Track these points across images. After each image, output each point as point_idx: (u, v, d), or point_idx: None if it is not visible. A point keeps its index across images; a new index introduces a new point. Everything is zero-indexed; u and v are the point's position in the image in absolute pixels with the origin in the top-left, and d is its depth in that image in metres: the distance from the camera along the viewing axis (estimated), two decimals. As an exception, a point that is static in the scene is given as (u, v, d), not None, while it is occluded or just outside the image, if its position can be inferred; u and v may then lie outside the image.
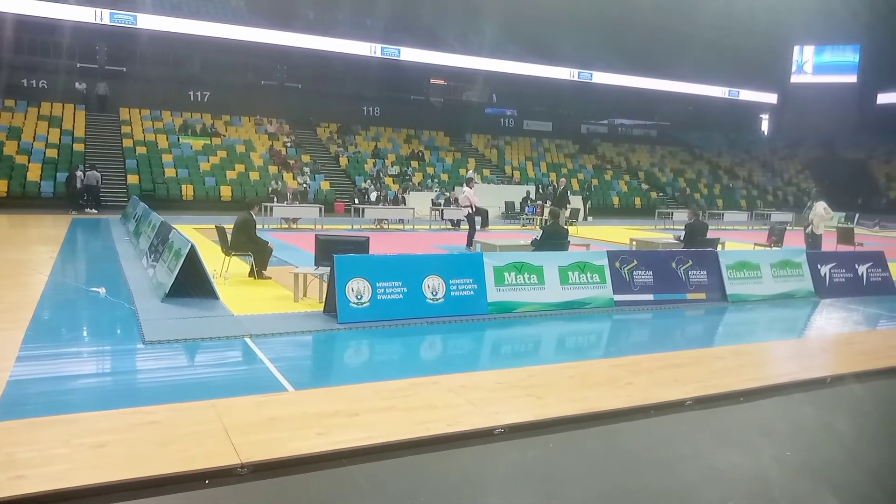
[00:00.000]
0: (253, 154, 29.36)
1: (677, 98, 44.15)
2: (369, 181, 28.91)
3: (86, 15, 28.78)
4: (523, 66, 38.63)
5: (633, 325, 8.54)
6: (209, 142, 29.42)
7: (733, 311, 9.44)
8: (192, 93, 32.18)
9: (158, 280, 8.94)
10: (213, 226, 11.24)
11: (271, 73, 36.13)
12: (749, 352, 7.15)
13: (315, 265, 8.63)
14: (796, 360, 6.96)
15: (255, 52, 32.96)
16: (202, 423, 4.26)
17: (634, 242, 14.27)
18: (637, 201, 34.97)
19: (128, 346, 6.41)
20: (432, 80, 40.45)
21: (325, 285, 8.00)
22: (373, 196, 26.48)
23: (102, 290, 8.70)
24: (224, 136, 30.56)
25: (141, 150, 27.29)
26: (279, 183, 25.82)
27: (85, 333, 7.22)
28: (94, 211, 22.56)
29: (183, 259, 8.04)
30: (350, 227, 19.79)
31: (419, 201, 25.32)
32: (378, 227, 20.79)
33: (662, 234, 19.90)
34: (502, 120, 40.76)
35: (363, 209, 21.96)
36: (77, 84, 29.89)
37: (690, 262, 9.71)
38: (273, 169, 28.39)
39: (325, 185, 28.40)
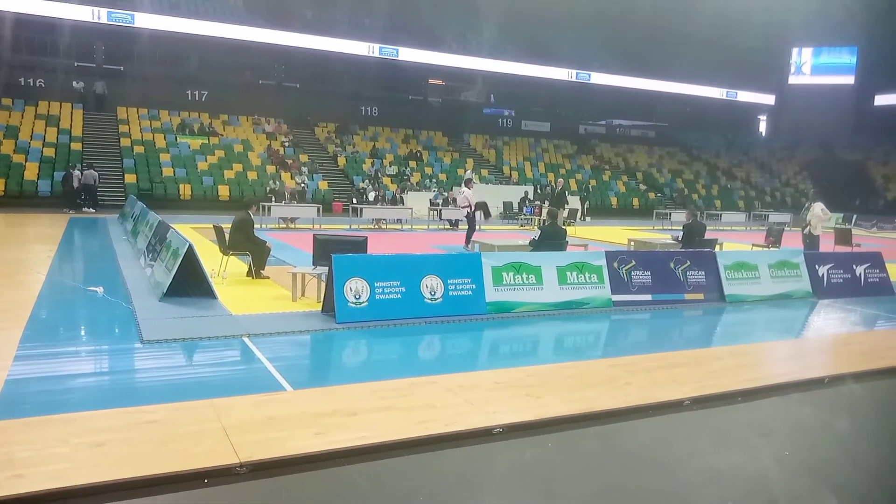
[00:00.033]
0: (251, 153, 29.34)
1: (675, 99, 44.20)
2: (367, 181, 28.90)
3: (83, 14, 28.72)
4: (521, 66, 38.63)
5: (631, 325, 8.55)
6: (207, 141, 29.39)
7: (731, 311, 9.45)
8: (189, 92, 32.13)
9: (156, 279, 8.93)
10: (211, 225, 11.23)
11: (269, 73, 36.09)
12: (747, 352, 7.16)
13: (313, 265, 8.63)
14: (794, 361, 6.98)
15: (253, 51, 32.94)
16: (201, 422, 4.25)
17: (632, 243, 14.30)
18: (635, 202, 35.00)
19: (126, 346, 6.40)
20: (430, 80, 40.43)
21: (323, 285, 8.00)
22: (371, 196, 26.47)
23: (100, 290, 8.68)
24: (222, 135, 30.52)
25: (138, 149, 27.25)
26: (277, 182, 25.79)
27: (83, 333, 7.20)
28: (91, 210, 22.52)
29: (181, 258, 8.04)
30: (348, 226, 19.78)
31: (417, 201, 25.32)
32: (376, 226, 20.78)
33: (660, 234, 19.92)
34: (500, 120, 40.77)
35: (361, 209, 21.94)
36: (75, 83, 29.82)
37: (688, 263, 9.73)
38: (271, 168, 28.37)
39: (323, 185, 28.38)
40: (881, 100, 45.32)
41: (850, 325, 9.18)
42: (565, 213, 20.52)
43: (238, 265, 10.42)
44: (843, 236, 15.80)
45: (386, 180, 29.39)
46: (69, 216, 20.45)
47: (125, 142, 27.65)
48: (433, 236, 18.78)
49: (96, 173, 23.56)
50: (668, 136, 45.07)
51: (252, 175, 27.50)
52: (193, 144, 28.74)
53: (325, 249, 8.29)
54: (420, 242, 16.83)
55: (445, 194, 26.50)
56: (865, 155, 44.57)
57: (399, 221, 21.92)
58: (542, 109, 42.51)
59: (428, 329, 7.51)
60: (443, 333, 7.46)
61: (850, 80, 47.14)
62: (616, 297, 9.02)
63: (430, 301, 7.83)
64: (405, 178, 30.12)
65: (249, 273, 10.03)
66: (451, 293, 7.99)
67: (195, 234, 14.47)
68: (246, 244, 10.08)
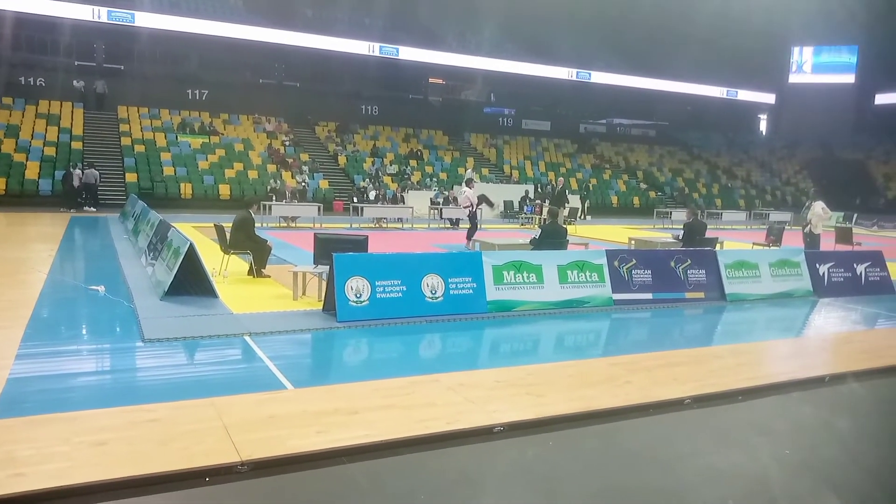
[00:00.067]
0: (251, 153, 29.34)
1: (676, 98, 44.17)
2: (368, 180, 28.90)
3: (84, 13, 28.73)
4: (522, 65, 38.62)
5: (631, 323, 8.55)
6: (207, 140, 29.40)
7: (732, 310, 9.45)
8: (190, 91, 32.15)
9: (157, 278, 8.93)
10: (212, 224, 11.23)
11: (270, 72, 36.09)
12: (747, 351, 7.17)
13: (314, 264, 8.63)
14: (794, 359, 6.98)
15: (253, 50, 32.92)
16: (202, 421, 4.26)
17: (633, 241, 14.29)
18: (636, 201, 35.00)
19: (127, 345, 6.41)
20: (431, 80, 40.42)
21: (324, 284, 8.01)
22: (371, 195, 26.48)
23: (101, 289, 8.69)
24: (222, 134, 30.53)
25: (139, 148, 27.26)
26: (278, 181, 25.80)
27: (84, 331, 7.21)
28: (92, 209, 22.53)
29: (182, 257, 8.04)
30: (349, 225, 19.78)
31: (418, 200, 25.32)
32: (377, 225, 20.78)
33: (661, 233, 19.93)
34: (501, 119, 40.77)
35: (362, 208, 21.95)
36: (75, 82, 29.82)
37: (689, 262, 9.73)
38: (272, 167, 28.37)
39: (323, 184, 28.39)
40: (881, 98, 45.30)
41: (851, 323, 9.18)
42: (566, 212, 20.52)
43: (239, 264, 10.43)
44: (844, 235, 15.79)
45: (386, 179, 29.39)
46: (70, 215, 20.45)
47: (126, 141, 27.66)
48: (434, 235, 18.78)
49: (97, 172, 23.58)
50: (668, 135, 45.06)
51: (253, 174, 27.50)
52: (194, 143, 28.75)
53: (325, 248, 8.29)
54: (421, 241, 16.83)
55: (446, 193, 26.51)
56: (866, 154, 44.56)
57: (400, 220, 21.93)
58: (543, 108, 42.50)
59: (429, 328, 7.51)
60: (443, 332, 7.46)
61: (850, 78, 47.12)
62: (617, 296, 9.02)
63: (430, 300, 7.84)
64: (406, 177, 30.12)
65: (250, 272, 10.04)
66: (451, 292, 7.99)
67: (196, 233, 14.47)
68: (247, 243, 10.09)
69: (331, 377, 6.05)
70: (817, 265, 10.68)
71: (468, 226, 16.01)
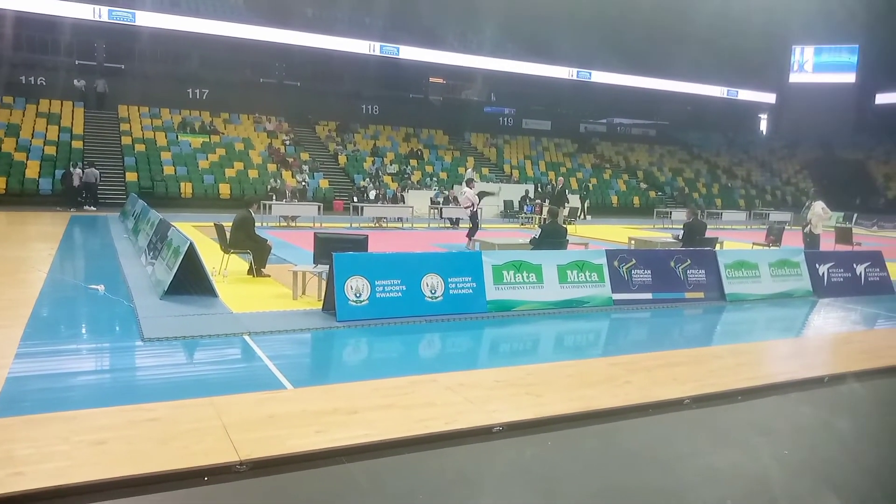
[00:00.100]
0: (252, 152, 29.34)
1: (676, 97, 44.13)
2: (368, 179, 28.90)
3: (84, 12, 28.70)
4: (522, 65, 38.59)
5: (631, 323, 8.55)
6: (208, 139, 29.39)
7: (731, 310, 9.45)
8: (190, 90, 32.14)
9: (157, 277, 8.93)
10: (212, 223, 11.23)
11: (270, 71, 36.09)
12: (747, 351, 7.17)
13: (314, 263, 8.63)
14: (794, 360, 6.98)
15: (253, 49, 32.89)
16: (201, 420, 4.26)
17: (633, 241, 14.29)
18: (636, 200, 34.99)
19: (127, 344, 6.41)
20: (431, 79, 40.40)
21: (323, 283, 8.01)
22: (371, 194, 26.48)
23: (101, 288, 8.69)
24: (223, 133, 30.53)
25: (140, 147, 27.26)
26: (278, 181, 25.80)
27: (84, 330, 7.21)
28: (92, 208, 22.54)
29: (182, 256, 8.05)
30: (349, 225, 19.78)
31: (418, 200, 25.33)
32: (377, 225, 20.78)
33: (661, 233, 19.93)
34: (501, 119, 40.75)
35: (362, 207, 21.96)
36: (76, 81, 29.81)
37: (689, 262, 9.73)
38: (272, 167, 28.37)
39: (323, 184, 28.38)
40: (882, 98, 45.26)
41: (851, 323, 9.18)
42: (566, 212, 20.52)
43: (239, 263, 10.43)
44: (844, 235, 15.80)
45: (387, 179, 29.39)
46: (70, 214, 20.45)
47: (126, 140, 27.65)
48: (434, 235, 18.79)
49: (97, 171, 23.59)
50: (668, 135, 45.04)
51: (253, 173, 27.49)
52: (194, 143, 28.75)
53: (325, 248, 8.30)
54: (421, 241, 16.83)
55: (446, 193, 26.51)
56: (866, 154, 44.53)
57: (400, 220, 21.93)
58: (543, 108, 42.49)
59: (428, 327, 7.51)
60: (443, 332, 7.47)
61: (851, 78, 47.08)
62: (616, 296, 9.02)
63: (430, 299, 7.84)
64: (406, 176, 30.12)
65: (250, 271, 10.04)
66: (451, 291, 8.00)
67: (196, 232, 14.46)
68: (247, 242, 10.09)
69: (330, 377, 6.05)
70: (817, 265, 10.68)
71: (468, 225, 16.02)
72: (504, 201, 27.60)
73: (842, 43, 46.64)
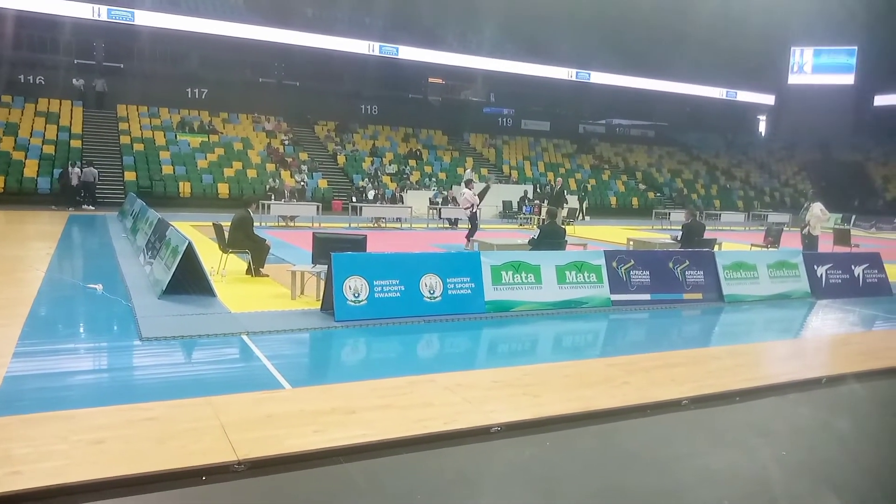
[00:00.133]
0: (251, 152, 29.33)
1: (675, 99, 44.18)
2: (367, 179, 28.90)
3: (84, 11, 28.69)
4: (521, 65, 38.61)
5: (629, 324, 8.56)
6: (207, 139, 29.37)
7: (730, 311, 9.46)
8: (189, 90, 32.11)
9: (155, 277, 8.93)
10: (211, 223, 11.23)
11: (269, 71, 36.08)
12: (745, 352, 7.17)
13: (312, 263, 8.63)
14: (792, 361, 6.99)
15: (253, 49, 32.89)
16: (199, 419, 4.26)
17: (631, 242, 14.31)
18: (634, 201, 35.01)
19: (125, 343, 6.41)
20: (430, 79, 40.41)
21: (322, 283, 8.00)
22: (370, 194, 26.48)
23: (99, 287, 8.68)
24: (222, 133, 30.51)
25: (138, 146, 27.24)
26: (277, 181, 25.79)
27: (82, 330, 7.20)
28: (90, 207, 22.52)
29: (180, 256, 8.04)
30: (347, 225, 19.78)
31: (417, 200, 25.33)
32: (375, 225, 20.78)
33: (659, 234, 19.94)
34: (500, 119, 40.76)
35: (361, 207, 21.96)
36: (75, 80, 29.80)
37: (687, 263, 9.73)
38: (271, 167, 28.36)
39: (322, 183, 28.38)
40: (881, 100, 45.34)
41: (849, 325, 9.19)
42: (564, 213, 20.53)
43: (237, 263, 10.43)
44: (842, 237, 15.82)
45: (385, 179, 29.39)
46: (68, 213, 20.43)
47: (125, 139, 27.64)
48: (432, 235, 18.79)
49: (96, 171, 23.57)
50: (667, 136, 45.07)
51: (252, 173, 27.49)
52: (193, 142, 28.73)
53: (324, 248, 8.30)
54: (419, 241, 16.83)
55: (445, 193, 26.51)
56: (865, 155, 44.60)
57: (398, 220, 21.93)
58: (542, 109, 42.51)
59: (427, 328, 7.51)
60: (441, 332, 7.47)
61: (849, 80, 47.14)
62: (615, 297, 9.03)
63: (429, 300, 7.84)
64: (405, 176, 30.12)
65: (249, 271, 10.04)
66: (450, 292, 8.00)
67: (194, 231, 14.45)
68: (245, 242, 10.09)
69: (328, 377, 6.05)
70: (815, 267, 10.69)
71: (467, 226, 16.02)
72: (503, 202, 27.60)
73: (841, 45, 46.71)
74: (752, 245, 15.24)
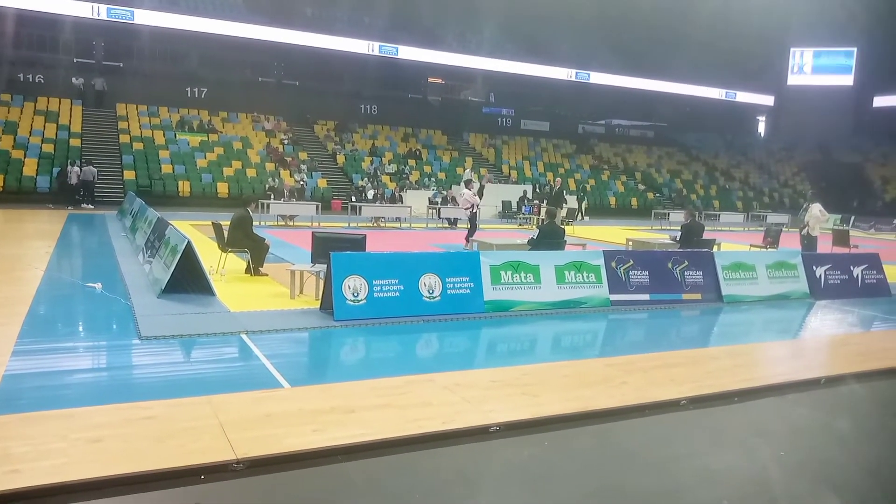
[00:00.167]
0: (250, 151, 29.32)
1: (674, 99, 44.21)
2: (366, 179, 28.90)
3: (83, 10, 28.69)
4: (521, 65, 38.64)
5: (628, 324, 8.56)
6: (206, 138, 29.36)
7: (728, 311, 9.47)
8: (189, 89, 32.09)
9: (155, 276, 8.93)
10: (210, 222, 11.23)
11: (269, 70, 36.07)
12: (744, 352, 7.18)
13: (312, 262, 8.63)
14: (791, 361, 7.00)
15: (252, 48, 32.90)
16: (198, 418, 4.26)
17: (631, 242, 14.32)
18: (634, 202, 35.02)
19: (124, 342, 6.41)
20: (430, 79, 40.41)
21: (321, 282, 8.00)
22: (370, 194, 26.48)
23: (98, 286, 8.68)
24: (221, 132, 30.49)
25: (138, 145, 27.23)
26: (276, 180, 25.78)
27: (81, 329, 7.21)
28: (90, 206, 22.51)
29: (179, 255, 8.04)
30: (347, 224, 19.77)
31: (416, 199, 25.34)
32: (375, 224, 20.78)
33: (658, 234, 19.95)
34: (500, 119, 40.76)
35: (360, 207, 21.97)
36: (74, 79, 29.76)
37: (686, 263, 9.74)
38: (270, 166, 28.35)
39: (322, 183, 28.38)
40: (880, 101, 45.37)
41: (847, 326, 9.19)
42: (563, 213, 20.54)
43: (236, 262, 10.43)
44: (841, 237, 15.83)
45: (385, 178, 29.39)
46: (68, 212, 20.42)
47: (124, 138, 27.62)
48: (432, 235, 18.79)
49: (95, 170, 23.55)
50: (666, 137, 45.09)
51: (251, 172, 27.48)
52: (193, 141, 28.72)
53: (323, 247, 8.30)
54: (419, 241, 16.83)
55: (444, 193, 26.52)
56: (864, 156, 44.63)
57: (398, 220, 21.93)
58: (542, 109, 42.50)
59: (426, 327, 7.51)
60: (440, 332, 7.47)
61: (848, 81, 47.18)
62: (614, 297, 9.03)
63: (428, 299, 7.84)
64: (404, 176, 30.12)
65: (248, 270, 10.04)
66: (449, 291, 8.00)
67: (194, 230, 14.44)
68: (245, 241, 10.09)
69: (327, 376, 6.05)
70: (814, 267, 10.70)
71: (467, 226, 16.03)
72: (502, 202, 27.60)
73: (840, 46, 46.74)
74: (750, 245, 15.25)
